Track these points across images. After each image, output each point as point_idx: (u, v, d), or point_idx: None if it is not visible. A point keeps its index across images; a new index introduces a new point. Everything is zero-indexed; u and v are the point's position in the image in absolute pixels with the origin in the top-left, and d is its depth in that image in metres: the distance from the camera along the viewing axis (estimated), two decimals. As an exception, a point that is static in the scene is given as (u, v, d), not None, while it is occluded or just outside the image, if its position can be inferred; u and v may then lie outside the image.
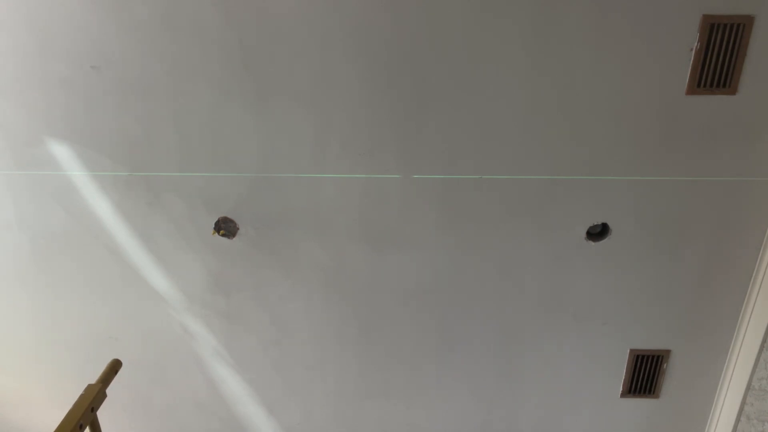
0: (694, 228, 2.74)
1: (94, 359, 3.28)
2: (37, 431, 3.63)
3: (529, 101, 2.48)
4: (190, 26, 2.38)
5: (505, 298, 2.99)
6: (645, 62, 2.37)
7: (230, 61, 2.44)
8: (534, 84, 2.44)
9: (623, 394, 3.25)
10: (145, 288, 3.03)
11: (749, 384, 2.93)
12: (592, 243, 2.80)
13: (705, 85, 2.40)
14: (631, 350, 3.11)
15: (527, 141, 2.57)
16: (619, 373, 3.19)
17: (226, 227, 2.83)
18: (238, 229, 2.84)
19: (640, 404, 3.29)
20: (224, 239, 2.87)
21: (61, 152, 2.68)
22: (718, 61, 2.35)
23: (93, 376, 3.35)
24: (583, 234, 2.78)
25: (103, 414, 3.50)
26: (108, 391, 2.04)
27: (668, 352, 3.10)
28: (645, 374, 3.17)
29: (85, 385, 1.95)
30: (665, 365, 3.14)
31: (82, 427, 1.86)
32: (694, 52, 2.34)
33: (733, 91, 2.41)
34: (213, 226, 2.83)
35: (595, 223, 2.75)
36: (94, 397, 1.92)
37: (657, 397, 3.24)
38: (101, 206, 2.81)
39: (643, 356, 3.11)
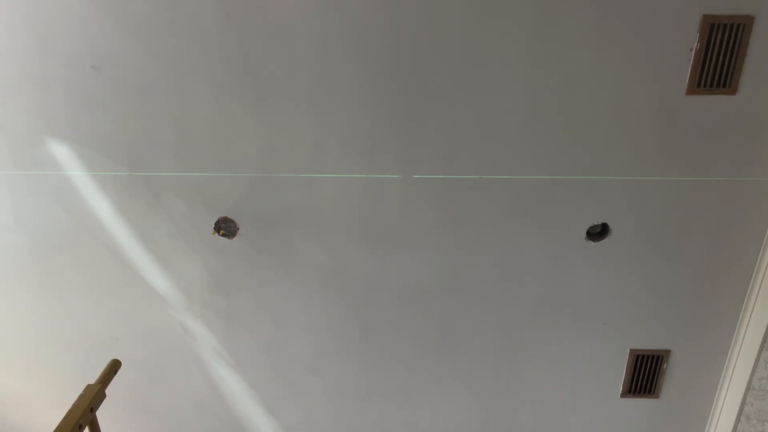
0: (694, 228, 2.74)
1: (94, 359, 3.28)
2: (37, 431, 3.63)
3: (529, 101, 2.48)
4: (190, 26, 2.38)
5: (505, 298, 2.99)
6: (645, 62, 2.37)
7: (230, 61, 2.44)
8: (534, 84, 2.44)
9: (623, 394, 3.25)
10: (145, 288, 3.03)
11: (749, 384, 2.93)
12: (592, 243, 2.80)
13: (705, 85, 2.40)
14: (631, 350, 3.11)
15: (527, 141, 2.57)
16: (619, 373, 3.19)
17: (226, 227, 2.83)
18: (238, 229, 2.84)
19: (640, 404, 3.29)
20: (224, 239, 2.87)
21: (61, 152, 2.68)
22: (718, 61, 2.35)
23: (93, 376, 3.35)
24: (583, 234, 2.78)
25: (103, 414, 3.50)
26: (108, 391, 2.04)
27: (668, 352, 3.10)
28: (645, 374, 3.17)
29: (84, 385, 1.95)
30: (665, 365, 3.14)
31: (81, 427, 1.86)
32: (694, 52, 2.34)
33: (733, 91, 2.41)
34: (213, 226, 2.83)
35: (595, 223, 2.75)
36: (93, 398, 1.92)
37: (657, 397, 3.24)
38: (101, 206, 2.81)
39: (643, 356, 3.11)
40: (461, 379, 3.26)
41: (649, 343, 3.08)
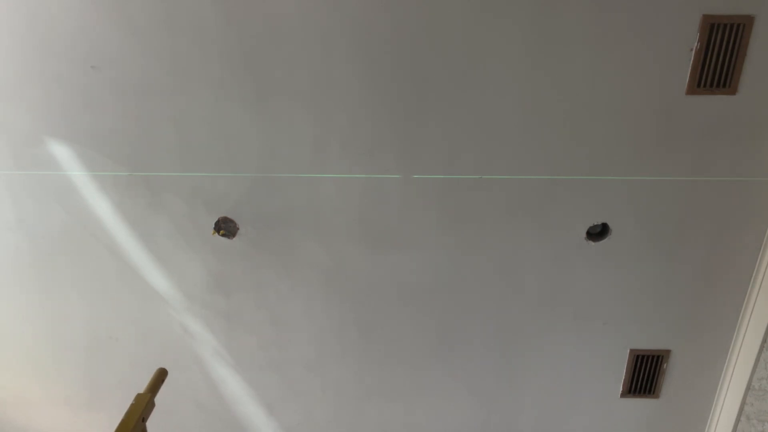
0: (694, 228, 2.74)
1: (94, 359, 3.28)
2: (37, 431, 3.63)
3: (529, 101, 2.48)
4: (190, 26, 2.38)
5: (505, 298, 2.99)
6: (645, 62, 2.37)
7: (230, 61, 2.44)
8: (534, 84, 2.44)
9: (623, 394, 3.25)
10: (145, 288, 3.03)
11: (749, 384, 2.93)
12: (592, 243, 2.80)
13: (705, 85, 2.40)
14: (631, 350, 3.11)
15: (527, 141, 2.57)
16: (619, 373, 3.19)
17: (226, 227, 2.83)
18: (238, 229, 2.84)
19: (640, 404, 3.29)
20: (224, 239, 2.87)
21: (61, 152, 2.68)
22: (718, 61, 2.35)
23: (93, 376, 3.36)
24: (583, 234, 2.78)
25: (103, 414, 3.51)
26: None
27: (668, 352, 3.10)
28: (645, 374, 3.17)
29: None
30: (665, 365, 3.13)
31: None
32: (694, 52, 2.34)
33: (733, 91, 2.41)
34: (213, 226, 2.83)
35: (595, 223, 2.75)
36: (144, 407, 1.91)
37: (657, 397, 3.24)
38: (101, 206, 2.81)
39: (643, 356, 3.11)
40: (461, 379, 3.26)
41: (649, 343, 3.08)
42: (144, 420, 1.92)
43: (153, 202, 2.79)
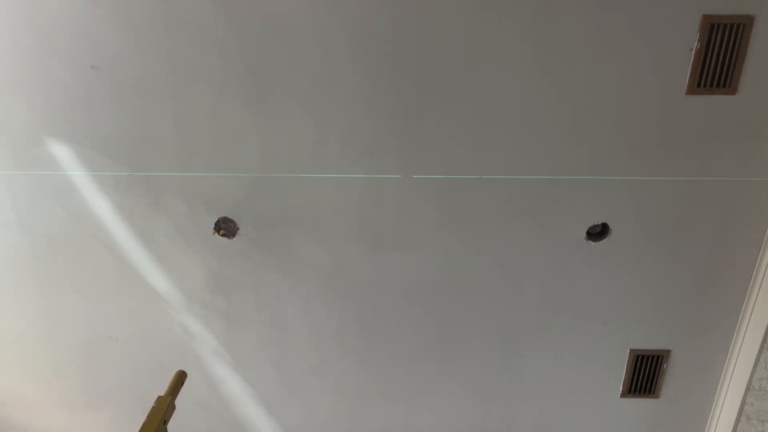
0: (694, 228, 2.74)
1: (94, 359, 3.28)
2: (37, 431, 3.63)
3: (529, 101, 2.48)
4: (190, 26, 2.38)
5: (505, 298, 2.99)
6: (645, 62, 2.37)
7: (230, 61, 2.44)
8: (534, 84, 2.44)
9: (623, 394, 3.25)
10: (145, 288, 3.03)
11: (749, 384, 2.93)
12: (592, 243, 2.80)
13: (705, 85, 2.40)
14: (631, 350, 3.11)
15: (527, 141, 2.57)
16: (619, 373, 3.19)
17: (226, 227, 2.83)
18: (238, 229, 2.84)
19: (640, 404, 3.29)
20: (224, 239, 2.87)
21: (61, 152, 2.68)
22: (718, 61, 2.35)
23: (93, 376, 3.36)
24: (583, 234, 2.78)
25: (102, 414, 3.51)
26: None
27: (668, 352, 3.10)
28: (645, 374, 3.17)
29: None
30: (665, 365, 3.14)
31: None
32: (694, 52, 2.34)
33: (733, 91, 2.41)
34: (213, 226, 2.83)
35: (595, 223, 2.75)
36: (165, 410, 1.90)
37: (657, 397, 3.24)
38: (101, 206, 2.81)
39: (643, 356, 3.11)
40: (461, 378, 3.26)
41: (649, 343, 3.08)
42: (165, 422, 1.91)
43: (153, 202, 2.79)
